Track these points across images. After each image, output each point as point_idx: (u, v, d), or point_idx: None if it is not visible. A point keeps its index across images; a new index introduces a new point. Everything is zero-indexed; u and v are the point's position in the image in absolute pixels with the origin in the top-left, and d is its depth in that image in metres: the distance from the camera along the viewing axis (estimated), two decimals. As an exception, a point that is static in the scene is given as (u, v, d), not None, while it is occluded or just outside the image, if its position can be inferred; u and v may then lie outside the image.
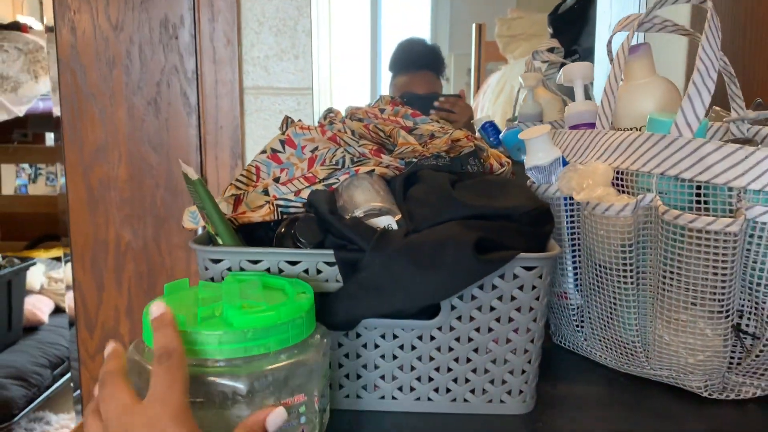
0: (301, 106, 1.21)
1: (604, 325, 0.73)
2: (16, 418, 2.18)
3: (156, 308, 0.50)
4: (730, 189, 0.61)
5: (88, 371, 1.30)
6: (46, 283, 3.07)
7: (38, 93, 2.38)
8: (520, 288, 0.61)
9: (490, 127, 1.18)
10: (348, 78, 1.62)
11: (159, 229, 1.25)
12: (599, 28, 1.74)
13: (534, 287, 0.61)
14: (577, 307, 0.77)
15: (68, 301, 1.28)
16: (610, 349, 0.74)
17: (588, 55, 1.75)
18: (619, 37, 0.79)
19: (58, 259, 3.35)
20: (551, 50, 1.30)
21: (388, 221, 0.64)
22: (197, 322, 0.50)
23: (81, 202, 1.25)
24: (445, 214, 0.64)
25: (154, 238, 1.25)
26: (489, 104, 1.93)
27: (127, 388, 0.47)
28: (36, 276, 3.01)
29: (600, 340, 0.75)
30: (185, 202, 1.24)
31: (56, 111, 1.23)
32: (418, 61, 1.57)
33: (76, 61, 1.21)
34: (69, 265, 1.27)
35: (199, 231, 0.73)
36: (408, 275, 0.57)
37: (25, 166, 3.98)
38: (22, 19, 2.61)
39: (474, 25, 1.85)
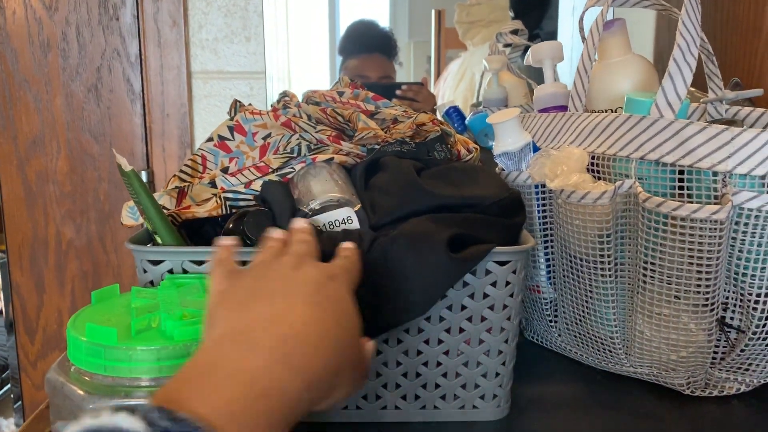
0: (255, 91, 1.14)
1: (580, 320, 0.68)
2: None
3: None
4: (715, 173, 0.56)
5: (30, 379, 1.21)
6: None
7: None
8: (493, 284, 0.56)
9: (455, 113, 1.13)
10: (306, 62, 1.56)
11: (103, 225, 1.17)
12: (562, 12, 1.71)
13: (508, 283, 0.56)
14: (551, 301, 0.73)
15: (4, 305, 1.19)
16: (587, 345, 0.70)
17: (551, 39, 1.72)
18: (591, 14, 0.74)
19: None
20: (515, 32, 1.25)
21: (347, 213, 0.58)
22: (131, 335, 0.43)
23: (17, 197, 1.15)
24: (411, 204, 0.59)
25: (98, 234, 1.17)
26: (450, 91, 1.88)
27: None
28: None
29: (575, 336, 0.71)
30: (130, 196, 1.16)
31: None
32: (369, 44, 1.52)
33: (6, 44, 1.11)
34: (5, 266, 1.17)
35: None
36: (382, 292, 0.52)
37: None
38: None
39: (433, 12, 1.81)
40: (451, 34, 1.88)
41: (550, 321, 0.74)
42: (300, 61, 1.48)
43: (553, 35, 1.73)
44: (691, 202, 0.57)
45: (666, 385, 0.65)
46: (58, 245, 1.17)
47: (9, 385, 2.39)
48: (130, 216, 0.69)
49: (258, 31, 1.13)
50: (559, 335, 0.74)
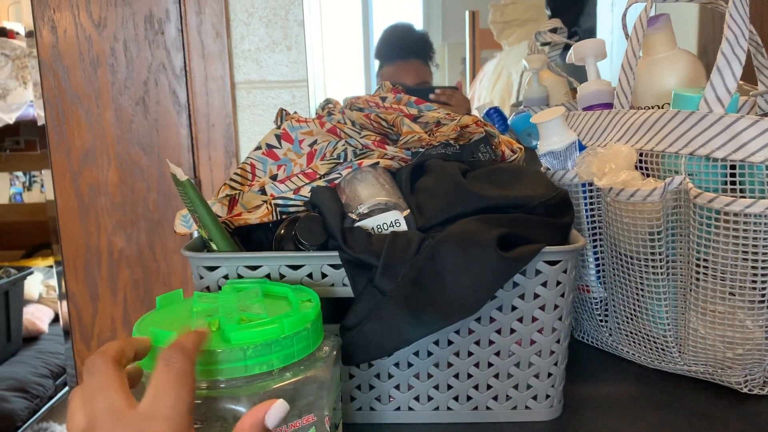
0: (297, 99, 1.16)
1: (632, 319, 0.68)
2: (19, 431, 2.14)
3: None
4: (769, 167, 0.55)
5: (87, 384, 1.25)
6: (45, 291, 3.03)
7: (27, 99, 2.34)
8: (544, 284, 0.56)
9: (495, 114, 1.13)
10: (341, 68, 1.57)
11: (153, 234, 1.20)
12: (600, 8, 1.69)
13: (558, 283, 0.56)
14: (601, 301, 0.73)
15: (62, 313, 1.23)
16: (639, 344, 0.69)
17: (588, 36, 1.70)
18: (634, 10, 0.74)
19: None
20: (554, 31, 1.25)
21: (395, 216, 0.59)
22: (191, 339, 0.45)
23: (71, 209, 1.19)
24: (458, 206, 0.59)
25: (148, 243, 1.20)
26: (486, 92, 1.88)
27: (121, 384, 0.38)
28: (34, 285, 2.97)
29: (627, 335, 0.70)
30: (179, 205, 1.19)
31: (40, 115, 1.18)
32: (405, 49, 1.52)
33: (59, 62, 1.15)
34: (61, 275, 1.21)
35: (194, 235, 0.68)
36: (432, 293, 0.52)
37: (19, 174, 3.93)
38: (8, 24, 2.55)
39: (467, 13, 1.81)
40: (486, 34, 1.87)
41: (600, 320, 0.73)
42: (335, 67, 1.50)
43: (591, 32, 1.72)
44: (744, 197, 0.56)
45: (722, 384, 0.64)
46: (110, 254, 1.21)
47: (66, 388, 2.46)
48: (183, 224, 0.71)
49: (299, 39, 1.15)
50: (610, 335, 0.73)
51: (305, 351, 0.47)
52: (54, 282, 3.08)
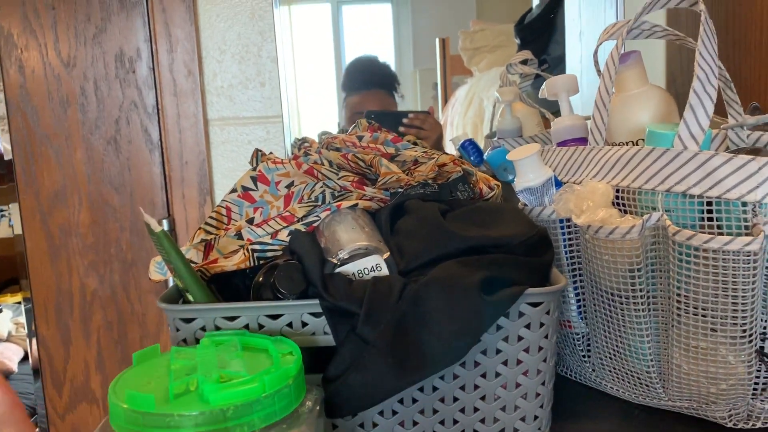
0: (271, 135, 1.15)
1: (615, 355, 0.67)
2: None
3: None
4: (744, 204, 0.56)
5: (59, 432, 1.21)
6: (14, 329, 2.94)
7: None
8: (527, 326, 0.55)
9: (470, 145, 1.13)
10: (315, 103, 1.57)
11: (127, 275, 1.18)
12: (568, 37, 1.72)
13: (542, 324, 0.56)
14: (583, 336, 0.72)
15: (32, 358, 1.20)
16: (623, 379, 0.69)
17: (558, 64, 1.73)
18: (604, 46, 0.75)
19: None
20: (524, 62, 1.26)
21: (375, 261, 0.58)
22: (169, 400, 0.43)
23: (40, 250, 1.16)
24: (439, 247, 0.59)
25: (122, 284, 1.18)
26: (459, 118, 1.89)
27: None
28: (3, 322, 2.89)
29: (610, 371, 0.70)
30: (152, 245, 1.16)
31: (7, 149, 1.15)
32: (368, 80, 1.54)
33: (27, 102, 1.13)
34: (30, 313, 1.18)
35: (170, 282, 0.67)
36: (416, 340, 0.51)
37: (-20, 207, 3.84)
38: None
39: (438, 40, 1.83)
40: (456, 60, 1.89)
41: (583, 356, 0.73)
42: (309, 102, 1.50)
43: (560, 59, 1.74)
44: (722, 233, 0.57)
45: (707, 419, 0.64)
46: (82, 296, 1.18)
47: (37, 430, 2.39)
48: (158, 271, 0.70)
49: (272, 76, 1.15)
50: (593, 370, 0.72)
51: (287, 408, 0.45)
52: (24, 319, 3.01)
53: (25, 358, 2.82)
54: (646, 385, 0.66)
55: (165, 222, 1.14)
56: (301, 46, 1.49)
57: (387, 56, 1.70)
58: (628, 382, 0.68)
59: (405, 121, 1.51)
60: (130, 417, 0.43)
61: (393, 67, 1.70)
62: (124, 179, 1.15)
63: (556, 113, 1.30)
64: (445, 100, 1.88)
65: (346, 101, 1.52)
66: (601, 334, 0.68)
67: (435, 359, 0.52)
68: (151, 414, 0.42)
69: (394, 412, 0.57)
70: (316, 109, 1.57)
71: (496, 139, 1.19)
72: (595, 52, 0.75)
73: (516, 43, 1.86)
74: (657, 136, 0.62)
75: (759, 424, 0.62)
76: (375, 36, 1.74)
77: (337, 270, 0.57)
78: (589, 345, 0.72)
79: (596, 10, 1.55)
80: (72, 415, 1.20)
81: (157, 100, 1.13)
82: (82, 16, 1.11)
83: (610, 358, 0.68)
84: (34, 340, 1.19)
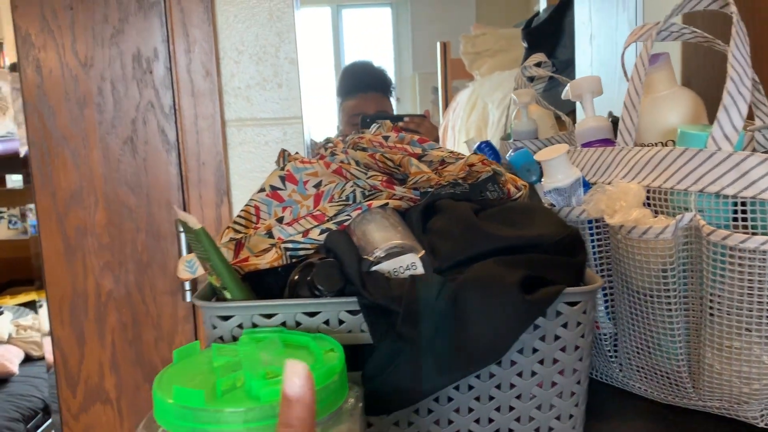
0: (288, 136, 1.15)
1: (645, 355, 0.68)
2: (-11, 480, 2.06)
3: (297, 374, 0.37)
4: (780, 203, 0.56)
5: (72, 433, 1.21)
6: (15, 331, 2.94)
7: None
8: (564, 326, 0.55)
9: (487, 148, 1.14)
10: (315, 106, 1.58)
11: (142, 276, 1.17)
12: (578, 41, 1.72)
13: (579, 323, 0.56)
14: (610, 336, 0.72)
15: (48, 357, 1.19)
16: (652, 380, 0.69)
17: (565, 68, 1.73)
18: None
19: (26, 305, 3.22)
20: (538, 65, 1.27)
21: (411, 259, 0.58)
22: (217, 397, 0.43)
23: (56, 251, 1.16)
24: (473, 247, 0.59)
25: (137, 285, 1.17)
26: (461, 122, 1.90)
27: None
28: (3, 325, 2.88)
29: (639, 371, 0.70)
30: (168, 245, 1.16)
31: (23, 154, 1.15)
32: (365, 84, 1.54)
33: (44, 102, 1.13)
34: (46, 319, 1.18)
35: (186, 284, 0.67)
36: (455, 339, 0.51)
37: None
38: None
39: (439, 44, 1.83)
40: (457, 64, 1.90)
41: (610, 356, 0.73)
42: (310, 104, 1.50)
43: (568, 63, 1.75)
44: (756, 233, 0.57)
45: (738, 418, 0.64)
46: (97, 297, 1.18)
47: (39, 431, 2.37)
48: (187, 270, 0.70)
49: (290, 77, 1.15)
50: (620, 370, 0.73)
51: (333, 405, 0.45)
52: (24, 321, 2.99)
53: (26, 360, 2.82)
54: (676, 385, 0.66)
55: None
56: (301, 50, 1.49)
57: (386, 60, 1.71)
58: (657, 382, 0.68)
59: (400, 124, 1.51)
60: (179, 413, 0.42)
61: (392, 71, 1.71)
62: (141, 180, 1.15)
63: (568, 116, 1.31)
64: (446, 104, 1.89)
65: (343, 105, 1.52)
66: (630, 334, 0.68)
67: (476, 358, 0.52)
68: (202, 410, 0.42)
69: (430, 411, 0.57)
70: (316, 113, 1.57)
71: (512, 141, 1.19)
72: (622, 55, 0.76)
73: (523, 47, 1.86)
74: (689, 137, 0.63)
75: (790, 424, 0.63)
76: (374, 40, 1.74)
77: (373, 268, 0.57)
78: (616, 345, 0.72)
79: (608, 13, 1.55)
80: (86, 415, 1.20)
81: (174, 101, 1.13)
82: (99, 16, 1.12)
83: (640, 358, 0.69)
84: (49, 347, 1.19)
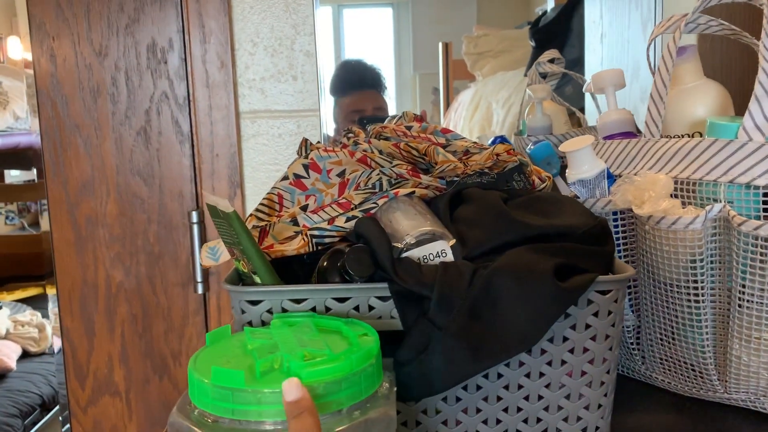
0: (302, 129, 1.15)
1: (669, 347, 0.67)
2: (-14, 474, 2.04)
3: (291, 388, 0.40)
4: (812, 194, 0.56)
5: (81, 425, 1.20)
6: (12, 327, 2.92)
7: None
8: (595, 314, 0.55)
9: (503, 143, 1.13)
10: (324, 101, 1.57)
11: (153, 267, 1.17)
12: (588, 40, 1.72)
13: (609, 312, 0.55)
14: (633, 328, 0.72)
15: (56, 349, 1.18)
16: (676, 372, 0.68)
17: (573, 67, 1.73)
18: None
19: (23, 301, 3.21)
20: (551, 61, 1.27)
21: (441, 246, 0.58)
22: (256, 378, 0.43)
23: (67, 241, 1.15)
24: (503, 235, 0.58)
25: (148, 276, 1.17)
26: (464, 121, 1.90)
27: None
28: (1, 320, 2.87)
29: (662, 363, 0.69)
30: (180, 237, 1.16)
31: (37, 144, 1.14)
32: (360, 81, 1.54)
33: (57, 91, 1.13)
34: (56, 310, 1.17)
35: (199, 272, 0.66)
36: (488, 326, 0.51)
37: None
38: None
39: (441, 44, 1.83)
40: (458, 65, 1.89)
41: (633, 348, 0.73)
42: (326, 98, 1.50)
43: (577, 62, 1.74)
44: (787, 224, 0.57)
45: (765, 411, 0.64)
46: (107, 289, 1.17)
47: (36, 427, 2.36)
48: (209, 257, 0.69)
49: (305, 69, 1.14)
50: (643, 363, 0.72)
51: (371, 388, 0.45)
52: (22, 317, 2.98)
53: (24, 355, 2.80)
54: (701, 377, 0.66)
55: (194, 213, 1.13)
56: (320, 43, 1.49)
57: (387, 60, 1.70)
58: (682, 374, 0.68)
59: None
60: (218, 393, 0.42)
61: (392, 72, 1.70)
62: (153, 171, 1.14)
63: (581, 110, 1.31)
64: (447, 105, 1.88)
65: (339, 102, 1.52)
66: (655, 326, 0.68)
67: (509, 345, 0.52)
68: (242, 390, 0.41)
69: (458, 399, 0.56)
70: (324, 109, 1.56)
71: (526, 136, 1.19)
72: (648, 47, 0.75)
73: (531, 46, 1.86)
74: (719, 128, 0.62)
75: (817, 417, 0.62)
76: (375, 40, 1.74)
77: (403, 255, 0.57)
78: (638, 337, 0.72)
79: (620, 12, 1.55)
80: (94, 408, 1.19)
81: (188, 92, 1.13)
82: (115, 5, 1.11)
83: (665, 350, 0.68)
84: (58, 339, 1.18)
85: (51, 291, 1.18)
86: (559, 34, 1.88)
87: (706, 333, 0.63)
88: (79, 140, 1.14)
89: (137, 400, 1.19)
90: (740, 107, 0.65)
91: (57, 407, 2.45)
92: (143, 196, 1.15)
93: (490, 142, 1.18)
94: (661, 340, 0.68)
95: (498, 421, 0.57)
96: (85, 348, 1.18)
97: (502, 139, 1.15)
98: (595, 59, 1.69)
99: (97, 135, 1.14)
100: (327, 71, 1.41)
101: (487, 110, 1.90)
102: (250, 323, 0.56)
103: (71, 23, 1.11)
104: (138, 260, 1.17)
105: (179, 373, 1.19)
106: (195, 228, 1.13)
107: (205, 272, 1.15)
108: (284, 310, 0.55)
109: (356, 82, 1.53)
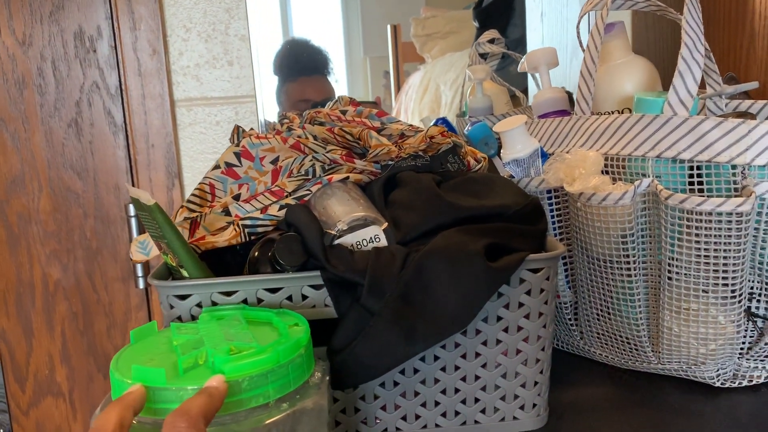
0: (240, 116, 1.12)
1: (605, 322, 0.68)
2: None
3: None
4: (734, 167, 0.57)
5: (23, 429, 1.16)
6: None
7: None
8: (528, 293, 0.55)
9: (444, 124, 1.13)
10: (262, 84, 1.54)
11: (92, 263, 1.13)
12: (530, 19, 1.73)
13: (542, 290, 0.56)
14: (570, 304, 0.73)
15: (-7, 353, 1.14)
16: (612, 346, 0.70)
17: (516, 47, 1.74)
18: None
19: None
20: (491, 41, 1.27)
21: (374, 231, 0.57)
22: (179, 374, 0.41)
23: (-2, 240, 1.11)
24: (436, 217, 0.58)
25: (87, 272, 1.13)
26: (413, 104, 1.89)
27: None
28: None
29: (599, 337, 0.71)
30: (118, 231, 1.13)
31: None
32: (307, 65, 1.50)
33: (-21, 83, 1.08)
34: (-10, 312, 1.13)
35: (138, 266, 0.64)
36: (421, 309, 0.51)
37: None
38: None
39: (389, 27, 1.82)
40: (408, 47, 1.89)
41: (571, 324, 0.74)
42: (263, 83, 1.46)
43: (518, 42, 1.76)
44: (711, 196, 0.58)
45: (695, 379, 0.66)
46: (45, 287, 1.13)
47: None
48: (140, 251, 0.67)
49: (240, 54, 1.12)
50: (581, 338, 0.74)
51: (300, 379, 0.44)
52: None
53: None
54: (636, 350, 0.67)
55: (132, 207, 1.10)
56: (253, 27, 1.45)
57: (336, 43, 1.68)
58: (618, 348, 0.69)
59: None
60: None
61: (342, 55, 1.68)
62: (87, 163, 1.11)
63: (524, 91, 1.31)
64: (398, 88, 1.88)
65: (285, 88, 1.48)
66: (590, 302, 0.69)
67: (442, 327, 0.52)
68: (163, 389, 0.40)
69: (396, 383, 0.56)
70: (261, 91, 1.53)
71: (467, 117, 1.19)
72: (577, 25, 0.76)
73: (474, 26, 1.86)
74: (646, 103, 0.63)
75: (744, 383, 0.64)
76: (324, 22, 1.71)
77: (337, 242, 0.56)
78: (576, 313, 0.73)
79: (558, -10, 1.56)
80: (36, 410, 1.15)
81: (120, 81, 1.09)
82: (37, -8, 1.06)
83: (600, 325, 0.69)
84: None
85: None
86: (502, 13, 1.89)
87: (640, 306, 0.64)
88: (6, 134, 1.09)
89: (81, 399, 1.16)
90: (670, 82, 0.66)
91: None
92: (77, 190, 1.11)
93: (431, 124, 1.18)
94: (598, 315, 0.69)
95: (437, 403, 0.58)
96: (24, 349, 1.14)
97: (443, 121, 1.15)
98: (536, 38, 1.71)
99: (25, 128, 1.09)
100: (273, 51, 1.38)
101: (436, 92, 1.90)
102: (179, 318, 0.54)
103: (-10, 11, 1.06)
104: (75, 256, 1.13)
105: (124, 370, 1.16)
106: (133, 221, 1.10)
107: (146, 266, 1.12)
108: (214, 304, 0.54)
109: (302, 66, 1.49)
